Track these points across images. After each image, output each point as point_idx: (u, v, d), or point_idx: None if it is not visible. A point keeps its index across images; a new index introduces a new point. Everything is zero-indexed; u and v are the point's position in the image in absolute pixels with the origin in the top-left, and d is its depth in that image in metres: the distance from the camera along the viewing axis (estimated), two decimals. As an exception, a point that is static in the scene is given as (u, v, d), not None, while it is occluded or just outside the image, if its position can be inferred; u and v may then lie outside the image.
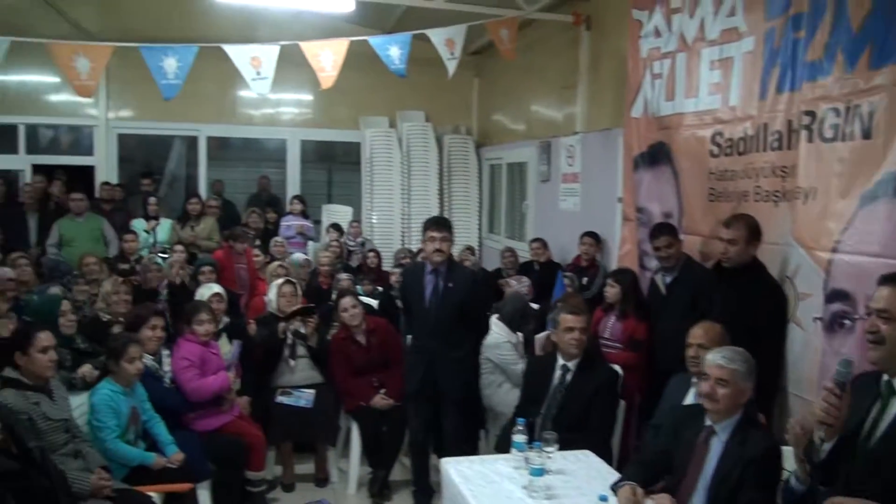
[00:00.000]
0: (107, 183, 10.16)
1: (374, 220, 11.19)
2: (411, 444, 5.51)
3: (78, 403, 4.46)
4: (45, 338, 4.02)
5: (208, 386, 5.14)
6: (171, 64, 6.76)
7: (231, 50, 7.03)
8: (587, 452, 4.01)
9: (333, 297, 6.70)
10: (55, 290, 6.21)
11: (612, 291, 5.66)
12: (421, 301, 5.21)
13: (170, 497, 4.50)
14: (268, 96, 9.42)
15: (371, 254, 9.06)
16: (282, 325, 5.83)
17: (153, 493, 4.26)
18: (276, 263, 7.41)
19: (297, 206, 10.30)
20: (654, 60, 6.06)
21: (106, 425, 4.34)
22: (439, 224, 5.16)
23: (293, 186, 11.97)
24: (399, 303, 6.84)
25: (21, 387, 3.93)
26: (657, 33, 6.04)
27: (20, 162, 11.05)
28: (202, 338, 5.25)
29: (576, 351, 4.53)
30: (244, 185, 11.90)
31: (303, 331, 5.85)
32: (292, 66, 7.37)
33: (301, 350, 5.86)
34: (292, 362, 5.82)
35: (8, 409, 3.70)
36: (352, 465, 5.69)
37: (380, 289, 7.90)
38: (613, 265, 6.88)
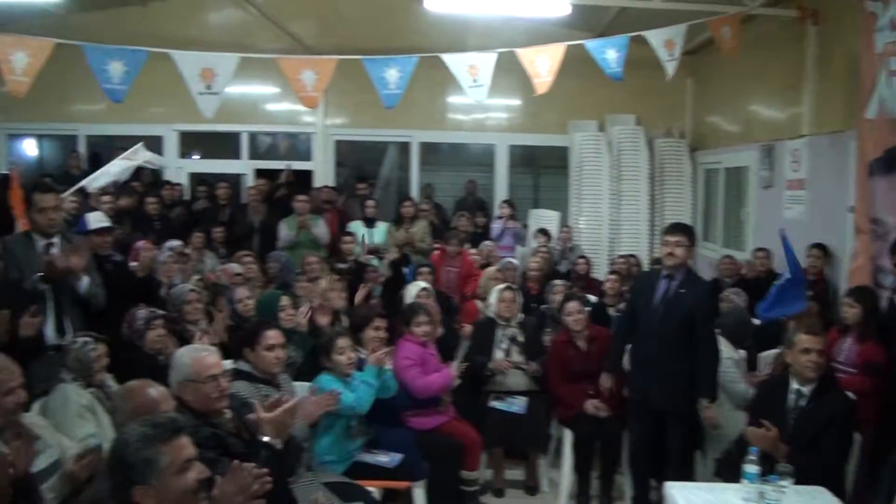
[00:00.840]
0: (326, 186, 10.63)
1: (581, 226, 11.02)
2: (631, 459, 5.33)
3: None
4: (272, 336, 4.19)
5: (433, 383, 5.22)
6: (392, 74, 6.98)
7: (449, 59, 7.16)
8: (821, 489, 3.70)
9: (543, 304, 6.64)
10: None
11: (851, 312, 5.19)
12: (649, 304, 5.04)
13: (388, 493, 4.60)
14: (475, 102, 9.50)
15: (581, 260, 8.89)
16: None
17: (373, 487, 4.36)
18: (493, 268, 7.42)
19: (507, 210, 10.32)
20: (890, 56, 5.56)
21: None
22: (675, 228, 5.02)
23: (501, 191, 12.03)
24: (611, 311, 6.68)
25: (252, 379, 4.13)
26: (893, 26, 5.52)
27: (243, 167, 11.87)
28: (420, 339, 5.34)
29: (812, 374, 4.18)
30: (451, 189, 12.13)
31: (520, 338, 5.81)
32: (502, 72, 7.39)
33: (515, 356, 5.83)
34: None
35: (239, 398, 3.91)
36: (563, 475, 5.58)
37: (591, 297, 7.74)
38: (842, 281, 6.36)
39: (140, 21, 10.85)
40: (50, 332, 4.53)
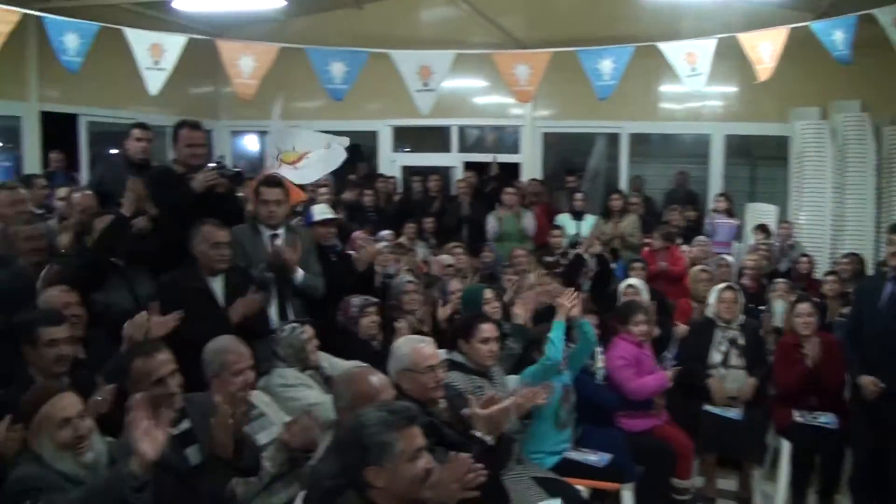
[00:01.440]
0: (533, 179, 10.64)
1: (801, 222, 10.31)
2: (851, 478, 4.94)
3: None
4: (487, 329, 4.24)
5: (647, 385, 5.10)
6: (606, 65, 6.86)
7: (666, 47, 6.93)
8: None
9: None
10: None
11: None
12: (873, 309, 4.72)
13: (595, 493, 4.53)
14: (691, 91, 9.13)
15: (803, 259, 8.31)
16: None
17: (581, 486, 4.31)
18: (698, 267, 7.09)
19: (722, 204, 9.87)
20: None
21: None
22: None
23: (715, 183, 11.49)
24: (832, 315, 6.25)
25: (465, 370, 4.20)
26: None
27: (453, 159, 12.10)
28: (637, 338, 5.21)
29: None
30: (660, 181, 11.74)
31: (740, 341, 5.54)
32: (718, 58, 7.06)
33: (735, 359, 5.55)
34: (723, 371, 5.54)
35: (454, 389, 3.97)
36: (778, 489, 5.26)
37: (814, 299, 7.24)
38: None
39: (355, 22, 11.28)
40: (274, 317, 4.78)
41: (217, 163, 4.89)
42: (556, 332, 4.47)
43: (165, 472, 2.98)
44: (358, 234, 6.52)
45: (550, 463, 4.49)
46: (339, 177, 9.43)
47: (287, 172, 5.99)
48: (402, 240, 7.76)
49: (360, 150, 11.30)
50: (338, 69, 6.73)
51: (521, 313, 5.37)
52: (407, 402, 3.30)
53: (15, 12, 6.60)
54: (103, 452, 2.94)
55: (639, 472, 4.73)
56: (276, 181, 5.08)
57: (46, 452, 2.81)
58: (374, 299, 5.11)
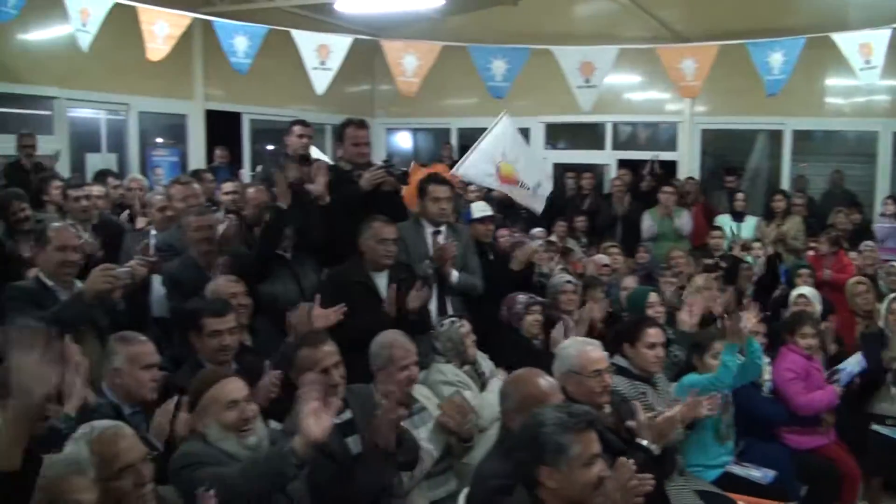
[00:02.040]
0: (690, 178, 10.31)
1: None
2: None
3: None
4: (654, 333, 4.15)
5: (816, 401, 4.84)
6: (775, 59, 6.57)
7: (839, 38, 6.55)
8: None
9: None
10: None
11: None
12: None
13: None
14: (860, 85, 8.56)
15: None
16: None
17: (741, 502, 4.12)
18: (854, 279, 6.46)
19: (891, 208, 9.23)
20: None
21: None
22: None
23: (882, 183, 10.75)
24: None
25: (629, 375, 4.12)
26: None
27: (606, 157, 11.88)
28: (805, 351, 4.95)
29: None
30: (817, 181, 11.06)
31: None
32: (890, 49, 6.59)
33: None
34: (894, 390, 5.19)
35: (619, 394, 3.88)
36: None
37: None
38: None
39: (511, 18, 11.20)
40: (434, 313, 4.83)
41: (385, 161, 5.00)
42: (729, 357, 4.28)
43: (326, 458, 3.07)
44: (502, 233, 6.49)
45: (711, 476, 4.34)
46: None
47: (491, 182, 6.02)
48: (553, 238, 7.68)
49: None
50: (498, 66, 6.74)
51: (686, 319, 5.20)
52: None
53: (185, 17, 6.97)
54: (265, 437, 3.04)
55: (803, 492, 4.51)
56: (444, 179, 5.15)
57: (212, 432, 2.93)
58: (540, 299, 5.09)
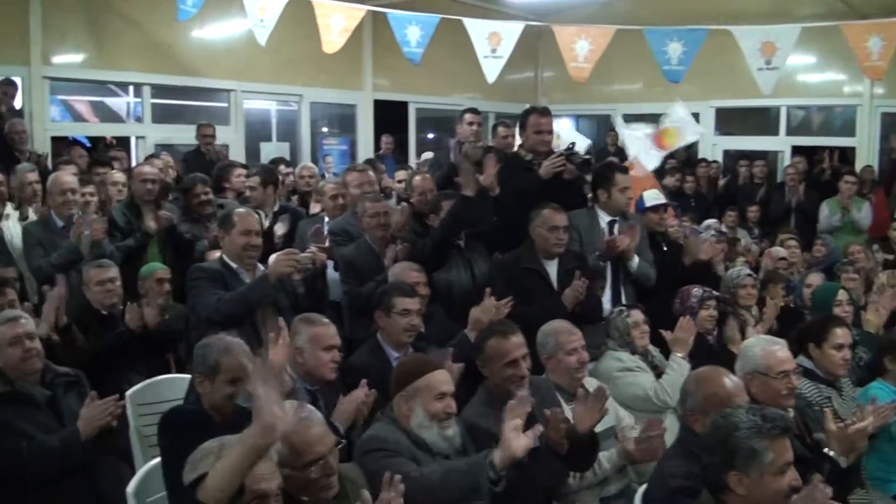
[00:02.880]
0: (869, 166, 9.66)
1: None
2: None
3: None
4: (841, 334, 3.93)
5: None
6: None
7: None
8: None
9: None
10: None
11: None
12: None
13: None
14: None
15: None
16: None
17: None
18: None
19: None
20: None
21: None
22: None
23: None
24: None
25: (814, 378, 3.91)
26: None
27: (780, 143, 11.28)
28: None
29: None
30: None
31: None
32: None
33: None
34: None
35: (803, 398, 3.71)
36: None
37: None
38: None
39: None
40: (607, 303, 4.76)
41: (568, 149, 4.95)
42: None
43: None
44: (672, 222, 6.27)
45: (894, 490, 4.03)
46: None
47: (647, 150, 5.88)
48: (723, 227, 7.40)
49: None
50: (674, 49, 6.47)
51: (873, 320, 4.87)
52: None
53: (360, 9, 7.12)
54: (458, 432, 3.06)
55: None
56: (625, 168, 5.09)
57: (416, 419, 2.97)
58: (716, 293, 4.90)
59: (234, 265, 4.11)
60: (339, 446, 2.71)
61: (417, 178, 5.53)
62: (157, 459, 3.12)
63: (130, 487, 3.08)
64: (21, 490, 3.18)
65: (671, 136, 6.38)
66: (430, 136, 12.20)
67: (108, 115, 9.59)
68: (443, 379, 3.05)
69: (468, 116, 6.23)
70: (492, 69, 7.05)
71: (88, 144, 8.50)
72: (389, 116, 10.90)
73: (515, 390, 3.21)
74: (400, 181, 6.25)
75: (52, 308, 3.97)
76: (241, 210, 4.34)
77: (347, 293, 4.75)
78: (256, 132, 10.12)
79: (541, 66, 12.24)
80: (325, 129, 10.98)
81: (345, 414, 3.24)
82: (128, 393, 3.78)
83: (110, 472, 3.41)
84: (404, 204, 5.50)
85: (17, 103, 7.62)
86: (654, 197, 5.49)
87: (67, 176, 5.27)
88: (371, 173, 5.65)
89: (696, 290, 4.77)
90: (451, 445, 2.99)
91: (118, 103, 9.68)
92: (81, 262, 4.78)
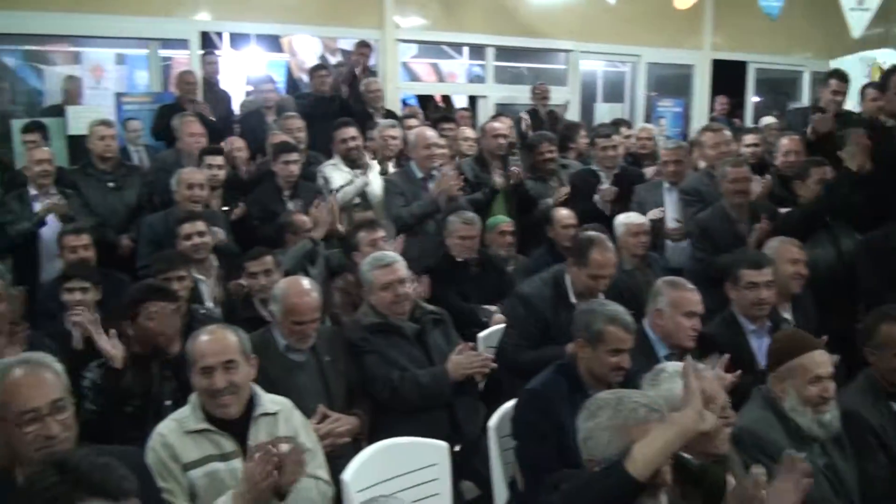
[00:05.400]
0: None
1: None
2: None
3: None
4: None
5: None
6: None
7: None
8: None
9: None
10: None
11: None
12: None
13: None
14: None
15: None
16: None
17: None
18: None
19: None
20: None
21: None
22: None
23: None
24: None
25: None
26: None
27: None
28: None
29: None
30: None
31: None
32: None
33: None
34: None
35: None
36: None
37: None
38: None
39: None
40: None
41: None
42: None
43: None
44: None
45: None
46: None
47: None
48: None
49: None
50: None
51: None
52: None
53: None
54: (836, 416, 2.84)
55: None
56: None
57: (789, 402, 2.82)
58: None
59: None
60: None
61: (785, 140, 5.23)
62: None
63: (492, 422, 3.26)
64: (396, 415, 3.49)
65: None
66: (755, 98, 11.33)
67: (442, 77, 10.11)
68: (820, 361, 2.83)
69: (833, 82, 5.71)
70: (858, 22, 6.44)
71: (417, 104, 8.94)
72: (726, 77, 10.35)
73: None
74: (749, 145, 5.86)
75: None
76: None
77: (701, 260, 4.60)
78: (591, 93, 10.14)
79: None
80: (653, 93, 10.62)
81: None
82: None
83: (467, 406, 3.63)
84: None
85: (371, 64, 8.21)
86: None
87: (430, 131, 5.59)
88: (727, 133, 5.43)
89: None
90: (827, 431, 2.80)
91: (452, 65, 10.18)
92: (437, 214, 5.09)
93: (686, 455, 2.29)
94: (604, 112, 9.57)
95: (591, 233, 4.10)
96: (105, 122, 5.70)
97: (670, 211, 5.27)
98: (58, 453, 1.85)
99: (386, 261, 3.69)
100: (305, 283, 3.50)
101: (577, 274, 3.84)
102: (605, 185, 5.50)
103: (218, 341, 2.67)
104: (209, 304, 4.28)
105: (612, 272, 3.90)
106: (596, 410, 2.20)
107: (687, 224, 4.99)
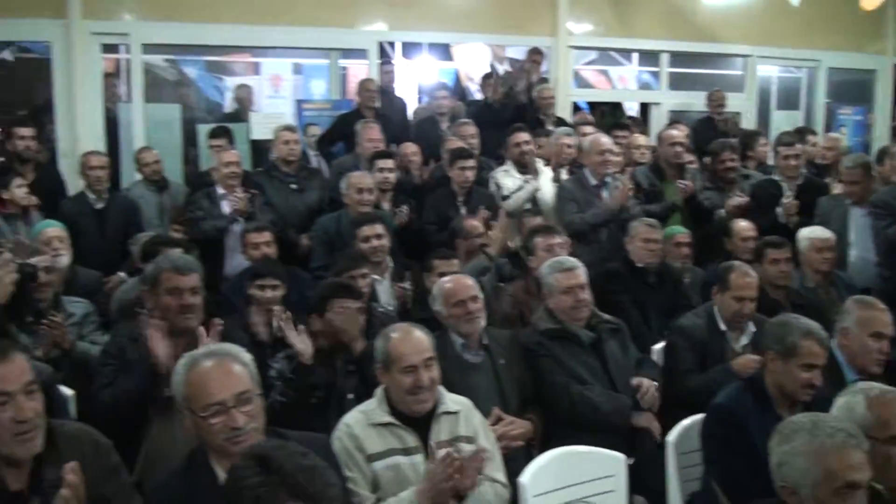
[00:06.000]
0: None
1: None
2: None
3: None
4: None
5: None
6: None
7: None
8: None
9: None
10: None
11: None
12: None
13: None
14: None
15: None
16: None
17: None
18: None
19: None
20: None
21: None
22: None
23: None
24: None
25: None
26: None
27: None
28: None
29: None
30: None
31: None
32: None
33: None
34: None
35: None
36: None
37: None
38: None
39: None
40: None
41: None
42: None
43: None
44: None
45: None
46: None
47: None
48: None
49: None
50: None
51: None
52: None
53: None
54: None
55: None
56: None
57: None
58: None
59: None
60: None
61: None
62: (698, 416, 3.14)
63: (671, 437, 3.20)
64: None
65: None
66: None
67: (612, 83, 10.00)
68: None
69: None
70: None
71: (588, 109, 8.82)
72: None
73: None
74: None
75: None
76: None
77: (889, 279, 4.35)
78: (767, 99, 9.71)
79: None
80: (827, 101, 10.02)
81: None
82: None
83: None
84: None
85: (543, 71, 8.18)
86: None
87: (605, 137, 5.53)
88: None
89: None
90: None
91: (622, 71, 10.01)
92: (613, 223, 5.01)
93: (878, 485, 2.18)
94: (780, 120, 9.13)
95: (733, 262, 4.06)
96: (289, 128, 5.97)
97: (855, 227, 4.99)
98: (257, 447, 1.84)
99: (567, 265, 3.70)
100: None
101: (721, 300, 3.85)
102: (788, 195, 5.26)
103: (419, 341, 2.79)
104: (386, 303, 4.38)
105: (755, 294, 3.82)
106: (790, 434, 2.13)
107: (875, 238, 4.69)
